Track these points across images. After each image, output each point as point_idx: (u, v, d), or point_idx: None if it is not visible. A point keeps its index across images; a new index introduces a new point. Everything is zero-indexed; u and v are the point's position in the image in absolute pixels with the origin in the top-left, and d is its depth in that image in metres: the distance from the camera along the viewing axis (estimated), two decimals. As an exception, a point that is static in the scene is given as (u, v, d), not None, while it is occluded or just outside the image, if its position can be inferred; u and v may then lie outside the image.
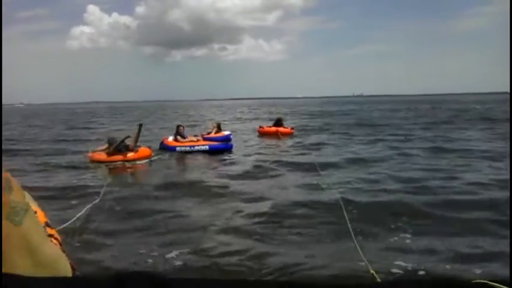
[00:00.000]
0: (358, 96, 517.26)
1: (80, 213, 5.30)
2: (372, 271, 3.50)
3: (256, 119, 30.73)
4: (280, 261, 3.91)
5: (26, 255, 1.17)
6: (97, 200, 5.99)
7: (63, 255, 0.80)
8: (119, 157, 9.85)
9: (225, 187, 7.22)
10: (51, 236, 1.77)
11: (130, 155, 9.98)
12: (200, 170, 9.25)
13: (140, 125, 10.35)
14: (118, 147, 9.88)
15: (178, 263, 3.95)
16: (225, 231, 4.83)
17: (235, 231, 4.81)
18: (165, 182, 7.77)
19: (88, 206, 5.67)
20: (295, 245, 4.37)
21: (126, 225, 5.08)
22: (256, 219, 5.20)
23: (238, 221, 5.20)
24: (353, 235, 4.35)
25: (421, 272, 3.67)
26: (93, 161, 9.94)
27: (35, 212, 1.75)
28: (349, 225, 4.58)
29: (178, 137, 12.14)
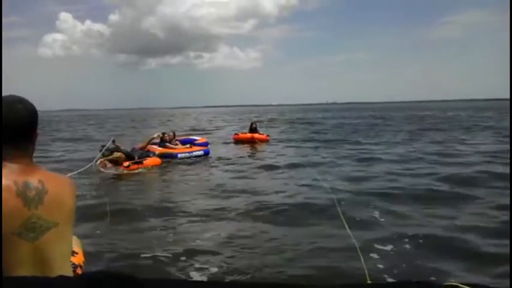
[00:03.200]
0: (331, 103, 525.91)
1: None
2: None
3: (232, 125, 30.81)
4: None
5: (30, 270, 1.18)
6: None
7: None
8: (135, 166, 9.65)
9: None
10: (75, 266, 1.81)
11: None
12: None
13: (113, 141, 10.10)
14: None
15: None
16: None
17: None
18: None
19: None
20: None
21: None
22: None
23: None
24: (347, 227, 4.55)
25: (394, 272, 3.72)
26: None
27: (76, 253, 2.01)
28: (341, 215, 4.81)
29: (168, 144, 12.18)
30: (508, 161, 8.69)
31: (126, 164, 9.50)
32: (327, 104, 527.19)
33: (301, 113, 69.61)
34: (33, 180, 1.20)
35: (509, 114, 19.52)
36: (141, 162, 9.82)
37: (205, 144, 13.48)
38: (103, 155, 9.49)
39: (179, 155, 11.72)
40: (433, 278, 3.51)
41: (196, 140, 13.63)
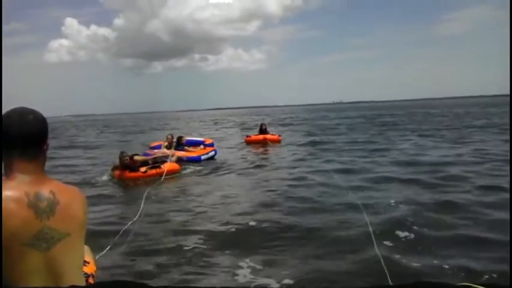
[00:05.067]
0: (338, 103, 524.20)
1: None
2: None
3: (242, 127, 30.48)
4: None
5: (42, 280, 1.17)
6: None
7: None
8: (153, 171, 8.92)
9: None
10: (87, 276, 1.77)
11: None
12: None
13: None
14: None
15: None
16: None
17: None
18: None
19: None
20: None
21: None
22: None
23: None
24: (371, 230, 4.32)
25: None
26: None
27: (87, 263, 1.94)
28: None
29: (187, 148, 11.95)
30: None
31: (143, 169, 8.81)
32: (333, 103, 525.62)
33: (311, 113, 68.97)
34: (45, 191, 1.21)
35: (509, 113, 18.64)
36: (158, 167, 9.03)
37: (213, 145, 13.28)
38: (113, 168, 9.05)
39: (202, 157, 11.42)
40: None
41: (203, 141, 13.39)
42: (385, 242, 4.28)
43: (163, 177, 8.55)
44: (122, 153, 8.92)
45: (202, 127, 36.71)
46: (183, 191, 7.82)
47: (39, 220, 1.17)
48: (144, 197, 6.35)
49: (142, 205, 5.82)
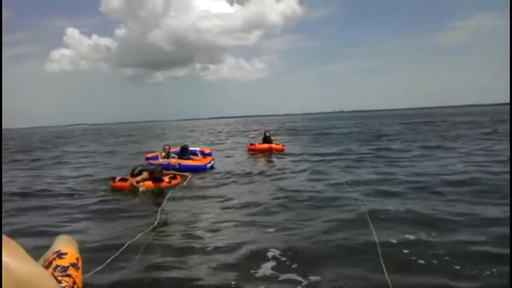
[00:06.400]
0: (339, 112, 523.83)
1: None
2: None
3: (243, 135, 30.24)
4: None
5: None
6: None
7: None
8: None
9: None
10: (64, 268, 1.76)
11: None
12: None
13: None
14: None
15: None
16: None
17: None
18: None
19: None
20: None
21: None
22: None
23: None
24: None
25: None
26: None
27: (64, 254, 1.88)
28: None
29: (192, 156, 12.14)
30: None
31: (167, 179, 8.84)
32: (334, 112, 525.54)
33: (311, 122, 68.77)
34: None
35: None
36: (175, 177, 9.19)
37: (211, 154, 13.30)
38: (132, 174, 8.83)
39: (207, 166, 11.60)
40: None
41: (201, 150, 13.37)
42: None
43: (185, 182, 8.96)
44: (158, 165, 8.98)
45: (203, 136, 36.52)
46: (202, 197, 7.74)
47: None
48: (165, 199, 6.85)
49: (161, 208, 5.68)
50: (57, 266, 1.75)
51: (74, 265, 1.84)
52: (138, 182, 8.46)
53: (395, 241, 4.50)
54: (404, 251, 4.21)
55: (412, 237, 4.61)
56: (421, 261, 3.92)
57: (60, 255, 1.79)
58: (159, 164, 9.18)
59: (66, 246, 1.95)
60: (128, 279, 3.74)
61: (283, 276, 3.69)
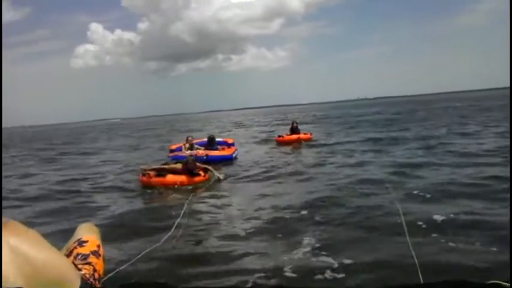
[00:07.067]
0: (362, 99, 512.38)
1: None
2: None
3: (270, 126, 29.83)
4: None
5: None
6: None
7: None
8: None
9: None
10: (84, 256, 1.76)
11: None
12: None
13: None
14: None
15: None
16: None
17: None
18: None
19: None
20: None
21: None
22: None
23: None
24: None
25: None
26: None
27: (85, 242, 1.90)
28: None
29: (218, 146, 12.23)
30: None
31: (202, 173, 8.23)
32: (358, 99, 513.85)
33: (337, 110, 67.21)
34: None
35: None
36: (207, 170, 8.46)
37: (234, 144, 13.25)
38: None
39: (233, 156, 11.61)
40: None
41: (225, 141, 13.34)
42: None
43: (221, 176, 8.39)
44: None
45: (228, 127, 36.38)
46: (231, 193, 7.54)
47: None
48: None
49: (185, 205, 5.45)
50: (77, 254, 1.74)
51: (94, 253, 1.82)
52: (170, 171, 8.14)
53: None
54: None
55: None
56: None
57: (81, 243, 1.79)
58: (191, 155, 8.76)
59: (87, 234, 1.94)
60: (152, 274, 3.69)
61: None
